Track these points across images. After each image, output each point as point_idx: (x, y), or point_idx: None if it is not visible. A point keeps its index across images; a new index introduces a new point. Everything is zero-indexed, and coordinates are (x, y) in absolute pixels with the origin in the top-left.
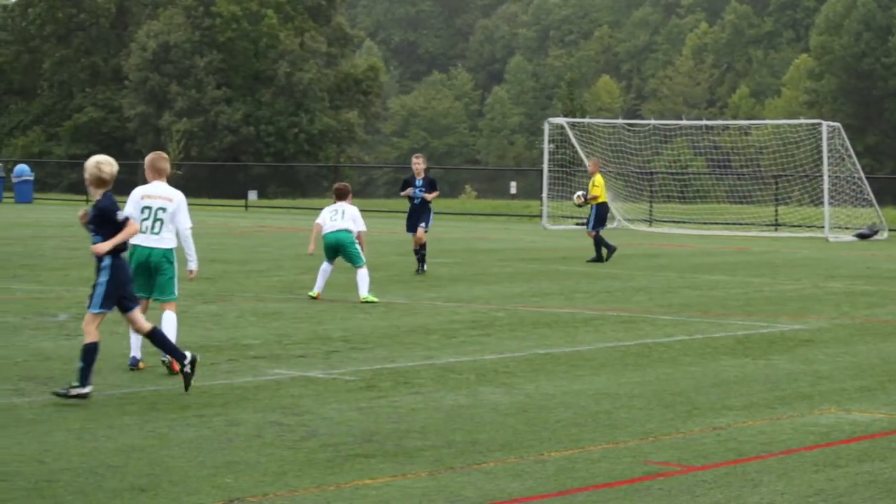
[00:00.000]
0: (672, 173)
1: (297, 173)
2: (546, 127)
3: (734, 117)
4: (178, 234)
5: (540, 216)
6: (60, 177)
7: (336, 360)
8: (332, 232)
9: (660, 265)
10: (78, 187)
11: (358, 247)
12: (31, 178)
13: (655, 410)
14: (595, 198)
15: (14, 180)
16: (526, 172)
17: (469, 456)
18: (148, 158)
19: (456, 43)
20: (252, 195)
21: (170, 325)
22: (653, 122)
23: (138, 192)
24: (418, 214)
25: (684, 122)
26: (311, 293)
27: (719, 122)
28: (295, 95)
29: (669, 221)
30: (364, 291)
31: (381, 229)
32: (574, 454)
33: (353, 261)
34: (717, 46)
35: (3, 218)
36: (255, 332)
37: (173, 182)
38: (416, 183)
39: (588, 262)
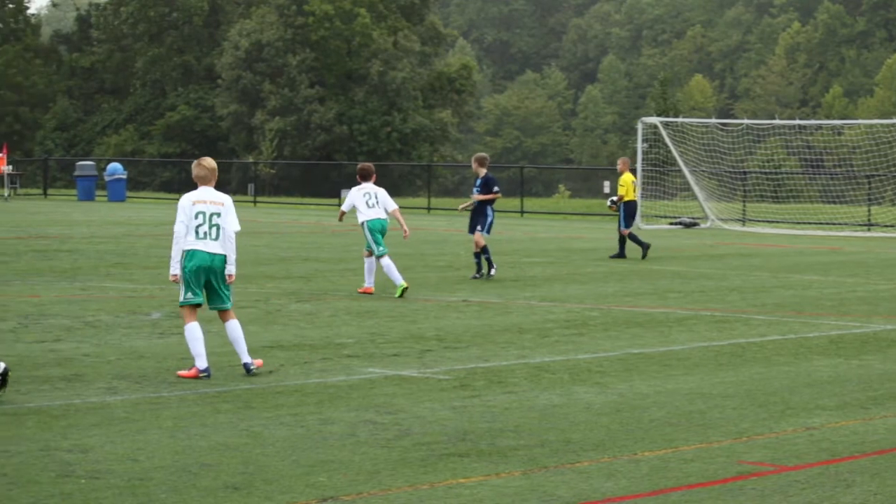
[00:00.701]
0: (765, 173)
1: (391, 172)
2: (640, 126)
3: (827, 117)
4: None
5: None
6: (153, 175)
7: (430, 359)
8: (377, 219)
9: (753, 265)
10: (170, 185)
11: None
12: (124, 176)
13: (749, 410)
14: (621, 197)
15: (107, 179)
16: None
17: (562, 455)
18: (209, 163)
19: (549, 42)
20: (345, 194)
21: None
22: (746, 121)
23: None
24: (475, 216)
25: (777, 122)
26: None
27: (812, 121)
28: (388, 94)
29: (763, 221)
30: (399, 279)
31: None
32: (667, 454)
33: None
34: (809, 46)
35: (96, 216)
36: (349, 330)
37: (265, 180)
38: (476, 183)
39: (611, 257)
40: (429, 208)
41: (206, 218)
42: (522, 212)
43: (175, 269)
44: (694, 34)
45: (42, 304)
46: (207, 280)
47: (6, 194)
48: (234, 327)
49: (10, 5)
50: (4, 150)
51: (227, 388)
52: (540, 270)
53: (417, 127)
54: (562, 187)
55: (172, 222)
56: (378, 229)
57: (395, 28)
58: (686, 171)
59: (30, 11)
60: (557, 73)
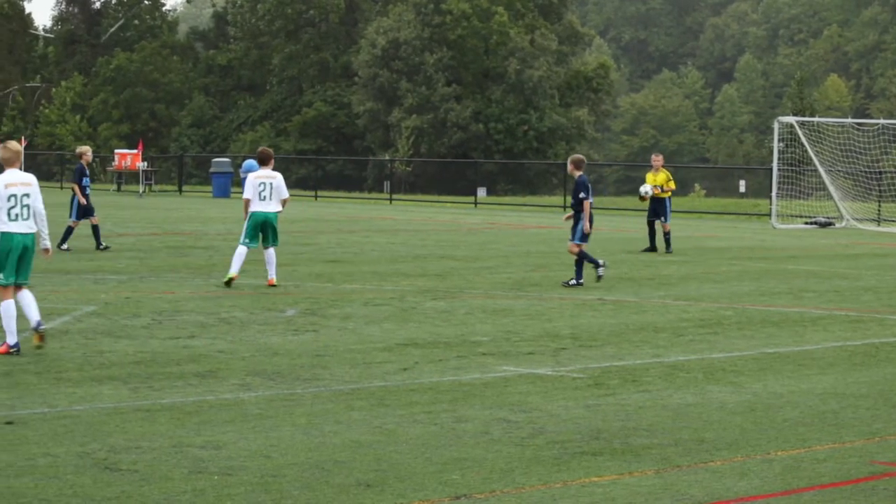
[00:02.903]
0: None
1: (527, 171)
2: (776, 126)
3: None
4: None
5: (769, 215)
6: (289, 172)
7: (564, 358)
8: (264, 212)
9: (888, 265)
10: (306, 182)
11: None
12: None
13: (882, 411)
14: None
15: (242, 176)
16: (755, 171)
17: (695, 454)
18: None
19: (686, 41)
20: (481, 192)
21: None
22: (882, 121)
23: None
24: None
25: None
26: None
27: None
28: (525, 93)
29: None
30: (274, 274)
31: (610, 227)
32: (800, 454)
33: (273, 240)
34: None
35: (232, 213)
36: (484, 328)
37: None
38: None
39: (642, 251)
40: (564, 206)
41: (18, 200)
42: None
43: None
44: (830, 34)
45: (177, 301)
46: (20, 257)
47: (141, 191)
48: (25, 295)
49: (147, 2)
50: (140, 147)
51: (361, 386)
52: (675, 269)
53: (554, 125)
54: (697, 186)
55: (308, 220)
56: (261, 221)
57: (533, 26)
58: (822, 170)
59: (165, 8)
60: (694, 72)
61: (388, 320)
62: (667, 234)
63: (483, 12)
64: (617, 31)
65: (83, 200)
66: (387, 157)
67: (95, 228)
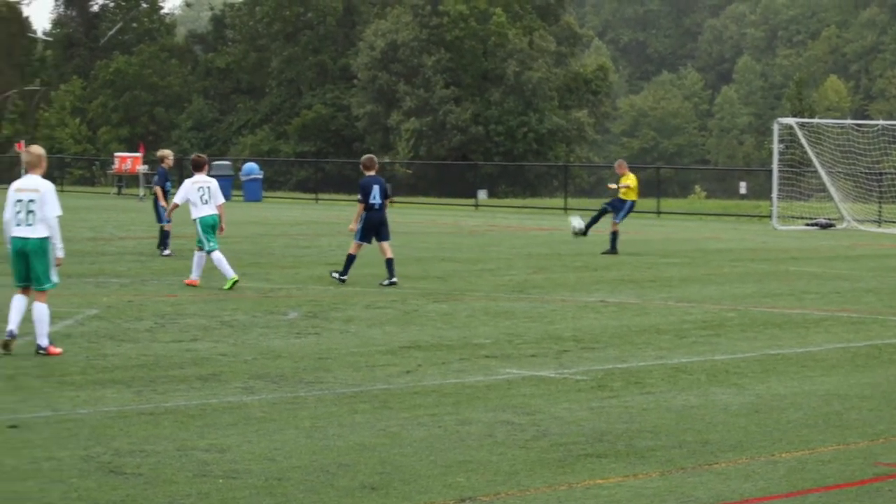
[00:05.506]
0: None
1: (527, 172)
2: (776, 127)
3: None
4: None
5: (770, 216)
6: (289, 175)
7: (567, 360)
8: (210, 215)
9: (889, 266)
10: (306, 185)
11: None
12: (260, 176)
13: (885, 412)
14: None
15: (242, 179)
16: (755, 172)
17: (700, 456)
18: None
19: (685, 43)
20: (482, 194)
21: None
22: (881, 122)
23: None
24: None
25: None
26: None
27: None
28: (524, 94)
29: None
30: (231, 273)
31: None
32: (805, 455)
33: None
34: None
35: (233, 216)
36: (487, 331)
37: (401, 180)
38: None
39: (602, 253)
40: (565, 209)
41: (24, 205)
42: (659, 212)
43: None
44: (829, 35)
45: (179, 304)
46: (27, 261)
47: (142, 194)
48: (37, 309)
49: (144, 5)
50: (141, 150)
51: (365, 389)
52: (676, 271)
53: (554, 127)
54: (697, 188)
55: (309, 222)
56: (210, 225)
57: (531, 28)
58: (822, 172)
59: (163, 11)
60: (693, 74)
61: (391, 323)
62: (613, 233)
63: (480, 14)
64: (615, 33)
65: (165, 204)
66: (387, 160)
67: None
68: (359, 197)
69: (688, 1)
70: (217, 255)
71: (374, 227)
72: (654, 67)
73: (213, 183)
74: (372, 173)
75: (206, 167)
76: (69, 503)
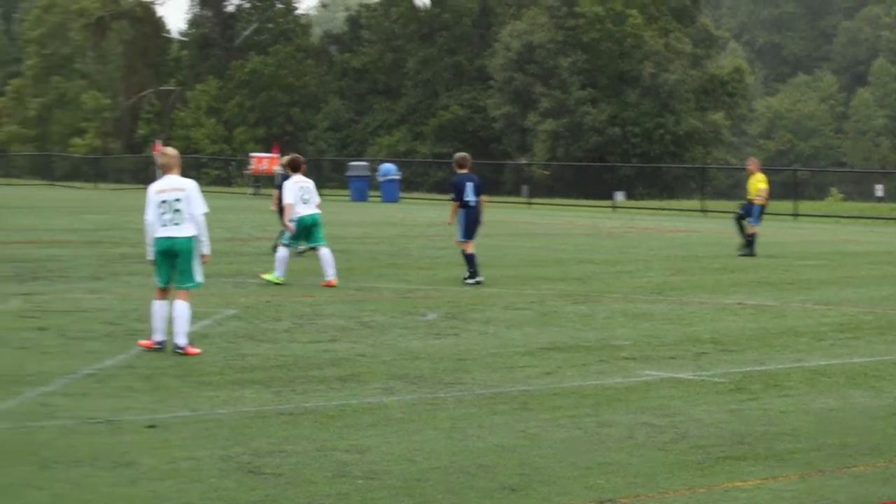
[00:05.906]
0: None
1: (664, 174)
2: None
3: None
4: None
5: None
6: (426, 175)
7: (705, 362)
8: (310, 215)
9: None
10: (443, 186)
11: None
12: (398, 177)
13: None
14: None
15: (380, 179)
16: (892, 175)
17: (839, 459)
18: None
19: (820, 45)
20: (619, 196)
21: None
22: None
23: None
24: None
25: None
26: (275, 280)
27: None
28: (660, 96)
29: None
30: (332, 274)
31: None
32: None
33: (320, 240)
34: None
35: (370, 217)
36: (625, 332)
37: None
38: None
39: (741, 255)
40: (702, 210)
41: (170, 205)
42: (795, 214)
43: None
44: None
45: (317, 305)
46: (174, 261)
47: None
48: (178, 307)
49: (280, 5)
50: (276, 150)
51: (504, 390)
52: (814, 273)
53: (690, 129)
54: (834, 190)
55: (446, 223)
56: (309, 224)
57: (667, 30)
58: None
59: (298, 12)
60: (829, 76)
61: (529, 324)
62: (750, 236)
63: (616, 16)
64: (751, 35)
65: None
66: (524, 161)
67: None
68: (452, 195)
69: (822, 3)
70: (324, 251)
71: (473, 224)
72: (789, 69)
73: (311, 183)
74: (465, 171)
75: (303, 167)
76: (208, 503)
